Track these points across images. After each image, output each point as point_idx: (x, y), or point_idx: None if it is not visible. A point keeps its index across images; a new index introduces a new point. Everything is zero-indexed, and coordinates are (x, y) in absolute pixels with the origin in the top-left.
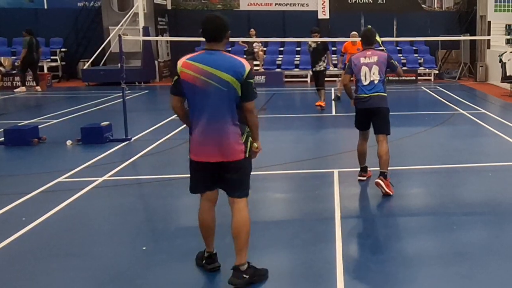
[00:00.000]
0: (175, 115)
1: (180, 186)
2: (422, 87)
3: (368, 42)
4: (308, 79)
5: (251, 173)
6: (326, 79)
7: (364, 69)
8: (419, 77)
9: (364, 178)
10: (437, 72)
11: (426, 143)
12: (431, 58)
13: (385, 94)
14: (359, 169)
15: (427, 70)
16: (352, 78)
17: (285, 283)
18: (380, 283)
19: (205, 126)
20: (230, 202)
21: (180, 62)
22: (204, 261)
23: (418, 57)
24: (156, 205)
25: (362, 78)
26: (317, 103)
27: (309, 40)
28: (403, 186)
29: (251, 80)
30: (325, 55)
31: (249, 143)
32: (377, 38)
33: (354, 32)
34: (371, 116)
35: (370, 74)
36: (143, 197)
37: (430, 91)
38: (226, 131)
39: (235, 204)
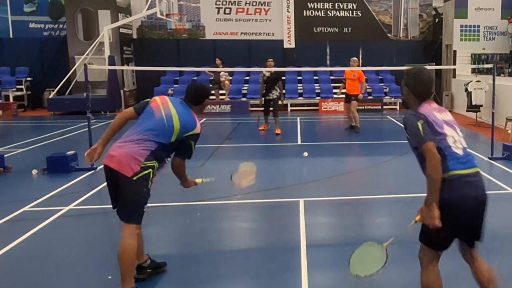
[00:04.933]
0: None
1: (146, 215)
2: (388, 116)
3: (424, 96)
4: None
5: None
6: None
7: (448, 129)
8: (384, 106)
9: None
10: (402, 101)
11: (392, 172)
12: (396, 87)
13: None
14: (325, 198)
15: (392, 99)
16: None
17: None
18: None
19: (128, 138)
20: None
21: (159, 96)
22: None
23: (384, 86)
24: (121, 235)
25: (452, 144)
26: (264, 128)
27: (264, 69)
28: (368, 215)
29: (193, 142)
30: (278, 84)
31: (145, 173)
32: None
33: (354, 58)
34: (473, 217)
35: (460, 138)
36: (109, 227)
37: (396, 120)
38: (137, 149)
39: (121, 230)
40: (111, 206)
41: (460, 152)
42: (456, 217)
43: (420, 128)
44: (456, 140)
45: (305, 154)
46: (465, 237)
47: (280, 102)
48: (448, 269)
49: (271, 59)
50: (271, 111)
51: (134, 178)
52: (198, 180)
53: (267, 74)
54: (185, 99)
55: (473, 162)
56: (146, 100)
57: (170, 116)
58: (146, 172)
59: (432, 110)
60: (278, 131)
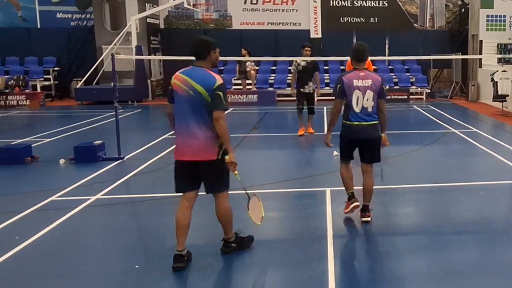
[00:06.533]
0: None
1: (173, 205)
2: (414, 106)
3: (359, 59)
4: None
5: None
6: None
7: (357, 93)
8: (411, 96)
9: (354, 206)
10: (428, 91)
11: (418, 161)
12: (423, 77)
13: (377, 122)
14: (353, 188)
15: (419, 89)
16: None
17: None
18: None
19: (183, 128)
20: (214, 197)
21: (174, 75)
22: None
23: (410, 76)
24: (149, 224)
25: (354, 103)
26: (302, 132)
27: (297, 58)
28: (395, 205)
29: (220, 93)
30: (315, 76)
31: (223, 147)
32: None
33: None
34: (360, 146)
35: (363, 100)
36: (136, 216)
37: (422, 110)
38: (199, 133)
39: (216, 199)
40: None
41: (357, 109)
42: (346, 146)
43: (337, 88)
44: (357, 101)
45: (335, 154)
46: (360, 157)
47: (316, 96)
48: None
49: (308, 48)
50: (308, 108)
51: (218, 157)
52: (236, 172)
53: (303, 63)
54: (195, 59)
55: (365, 119)
56: (169, 87)
57: (192, 87)
58: (222, 147)
59: (352, 78)
60: (310, 130)
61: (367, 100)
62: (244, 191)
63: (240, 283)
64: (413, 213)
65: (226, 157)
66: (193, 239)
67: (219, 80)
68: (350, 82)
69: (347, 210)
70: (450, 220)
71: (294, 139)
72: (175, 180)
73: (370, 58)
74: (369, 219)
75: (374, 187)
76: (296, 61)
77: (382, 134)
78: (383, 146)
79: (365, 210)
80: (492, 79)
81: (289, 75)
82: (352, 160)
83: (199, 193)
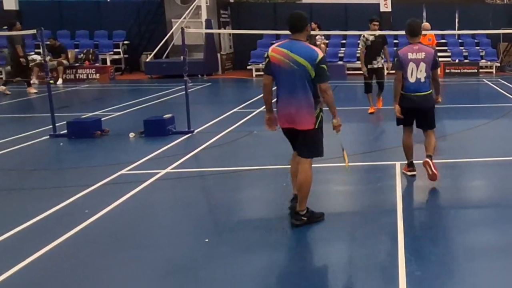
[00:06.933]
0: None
1: (243, 179)
2: (484, 80)
3: (413, 34)
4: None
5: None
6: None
7: (411, 65)
8: (480, 70)
9: (410, 173)
10: (498, 65)
11: (487, 135)
12: (492, 51)
13: (431, 92)
14: (420, 161)
15: (488, 62)
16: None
17: (346, 275)
18: (442, 275)
19: (286, 99)
20: (299, 162)
21: (270, 48)
22: (290, 201)
23: (480, 50)
24: (219, 198)
25: (409, 75)
26: (373, 110)
27: (365, 32)
28: (464, 179)
29: (324, 66)
30: (384, 50)
31: (319, 117)
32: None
33: (426, 23)
34: (416, 115)
35: (417, 72)
36: (206, 190)
37: (492, 83)
38: (301, 104)
39: (300, 164)
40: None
41: (412, 80)
42: (405, 114)
43: (395, 62)
44: (412, 73)
45: None
46: (417, 124)
47: (386, 72)
48: None
49: (376, 22)
50: (377, 82)
51: (315, 127)
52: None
53: (371, 38)
54: (290, 32)
55: (420, 89)
56: (266, 60)
57: (294, 60)
58: (319, 118)
59: (406, 51)
60: (379, 104)
61: (421, 71)
62: (340, 145)
63: (309, 258)
64: (482, 186)
65: (334, 120)
66: (261, 214)
67: (320, 53)
68: (405, 56)
69: (405, 172)
70: None
71: (363, 113)
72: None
73: (439, 32)
74: (431, 163)
75: (443, 160)
76: (363, 36)
77: (437, 96)
78: (436, 104)
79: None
80: None
81: (358, 49)
82: (412, 125)
83: (270, 168)
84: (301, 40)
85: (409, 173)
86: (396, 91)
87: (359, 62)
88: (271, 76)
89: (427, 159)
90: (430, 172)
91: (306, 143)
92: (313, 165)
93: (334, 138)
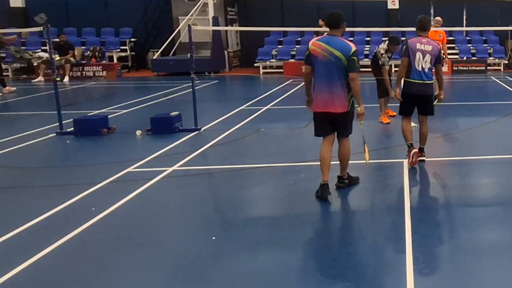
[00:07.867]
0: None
1: (250, 177)
2: (492, 77)
3: (423, 28)
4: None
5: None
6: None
7: (418, 55)
8: (488, 67)
9: (411, 158)
10: (506, 62)
11: (495, 133)
12: (500, 48)
13: (432, 82)
14: (430, 159)
15: (496, 60)
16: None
17: (354, 272)
18: (449, 273)
19: (323, 86)
20: (339, 140)
21: (311, 42)
22: (318, 189)
23: (488, 47)
24: (226, 195)
25: (416, 64)
26: (382, 120)
27: (380, 48)
28: (472, 176)
29: (355, 58)
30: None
31: (351, 101)
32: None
33: (438, 18)
34: (417, 101)
35: (423, 61)
36: (213, 187)
37: (500, 81)
38: (337, 91)
39: (341, 141)
40: (217, 167)
41: (418, 69)
42: (407, 99)
43: (403, 50)
44: (418, 62)
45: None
46: (418, 110)
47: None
48: None
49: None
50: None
51: (348, 110)
52: (362, 122)
53: (388, 54)
54: (329, 28)
55: (422, 78)
56: (307, 52)
57: (331, 53)
58: (351, 102)
59: (416, 41)
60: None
61: (426, 62)
62: (362, 138)
63: (315, 256)
64: (491, 184)
65: (358, 108)
66: (269, 211)
67: (353, 47)
68: (414, 45)
69: (410, 160)
70: None
71: (372, 110)
72: (315, 127)
73: (447, 28)
74: (424, 158)
75: (450, 158)
76: (379, 52)
77: (440, 91)
78: (439, 101)
79: (421, 150)
80: None
81: (366, 46)
82: (411, 115)
83: (278, 165)
84: (338, 36)
85: (412, 154)
86: (400, 76)
87: (366, 59)
88: (310, 66)
89: (419, 154)
90: (414, 160)
91: (345, 124)
92: (319, 163)
93: (356, 133)
